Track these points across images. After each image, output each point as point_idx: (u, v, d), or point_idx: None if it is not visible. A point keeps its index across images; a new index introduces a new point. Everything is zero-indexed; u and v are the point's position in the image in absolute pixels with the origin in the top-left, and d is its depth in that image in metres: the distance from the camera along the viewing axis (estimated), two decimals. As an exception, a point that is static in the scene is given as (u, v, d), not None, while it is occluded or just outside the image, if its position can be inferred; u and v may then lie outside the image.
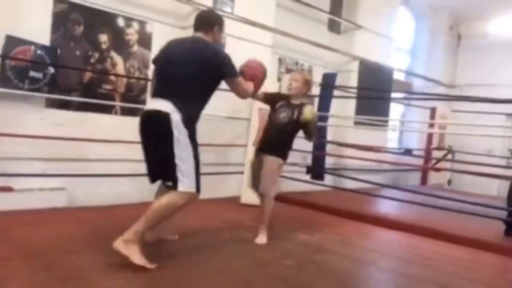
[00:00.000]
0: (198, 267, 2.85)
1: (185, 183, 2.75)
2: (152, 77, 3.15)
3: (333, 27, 7.72)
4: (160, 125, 2.73)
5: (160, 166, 2.84)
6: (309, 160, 6.15)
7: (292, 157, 5.99)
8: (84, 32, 4.46)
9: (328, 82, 6.25)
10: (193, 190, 2.79)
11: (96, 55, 4.58)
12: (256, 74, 3.41)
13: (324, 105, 6.07)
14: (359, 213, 5.00)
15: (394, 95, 9.09)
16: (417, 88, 9.77)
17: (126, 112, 4.84)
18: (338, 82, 6.61)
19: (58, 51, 4.22)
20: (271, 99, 3.91)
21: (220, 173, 5.42)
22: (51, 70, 4.14)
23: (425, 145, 9.18)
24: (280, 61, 6.66)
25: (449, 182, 9.61)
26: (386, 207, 5.70)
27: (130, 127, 4.80)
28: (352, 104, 7.41)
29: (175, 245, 3.29)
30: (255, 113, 5.38)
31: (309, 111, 3.67)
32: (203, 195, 5.30)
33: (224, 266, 2.97)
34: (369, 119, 7.23)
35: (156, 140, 2.81)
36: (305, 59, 7.01)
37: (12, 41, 3.87)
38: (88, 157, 4.46)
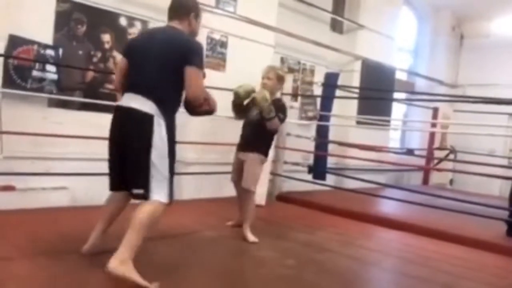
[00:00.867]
0: (198, 267, 2.86)
1: (158, 192, 2.51)
2: (118, 69, 2.86)
3: (336, 26, 7.72)
4: (140, 127, 2.48)
5: (131, 172, 2.55)
6: (311, 160, 6.15)
7: (294, 157, 6.03)
8: (87, 32, 4.46)
9: (330, 82, 6.26)
10: (166, 200, 2.55)
11: (99, 54, 4.59)
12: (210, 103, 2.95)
13: (326, 104, 6.08)
14: (360, 213, 5.00)
15: (396, 95, 9.08)
16: (419, 88, 9.76)
17: (128, 111, 4.84)
18: (340, 81, 6.61)
19: (61, 50, 4.23)
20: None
21: (221, 173, 5.42)
22: (54, 69, 4.14)
23: (427, 145, 9.17)
24: (282, 60, 6.66)
25: (451, 182, 9.60)
26: (388, 207, 5.70)
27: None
28: (354, 103, 7.40)
29: (175, 245, 3.29)
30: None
31: (260, 93, 3.65)
32: (205, 194, 5.36)
33: (225, 266, 2.98)
34: (371, 119, 7.22)
35: (130, 143, 2.51)
36: (307, 59, 7.00)
37: (15, 40, 3.88)
38: (91, 157, 4.46)
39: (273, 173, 5.63)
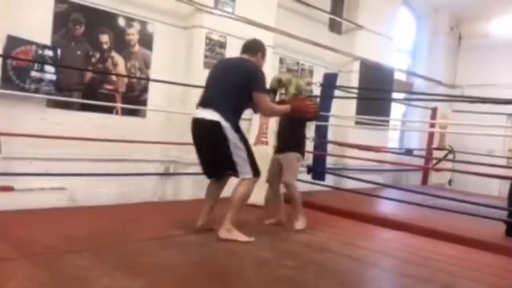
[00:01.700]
0: (199, 266, 2.86)
1: (244, 173, 3.41)
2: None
3: (334, 27, 7.72)
4: (214, 132, 3.32)
5: (221, 164, 3.47)
6: (310, 160, 6.15)
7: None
8: (85, 32, 4.46)
9: (329, 82, 6.25)
10: (251, 175, 3.43)
11: (97, 55, 4.59)
12: (300, 109, 3.84)
13: (325, 105, 6.07)
14: (360, 213, 5.00)
15: (395, 95, 9.09)
16: (418, 88, 9.76)
17: (126, 112, 4.84)
18: (339, 82, 6.61)
19: (59, 51, 4.22)
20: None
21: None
22: (52, 70, 4.14)
23: (426, 145, 9.18)
24: (281, 61, 6.66)
25: (450, 182, 9.61)
26: (387, 207, 5.70)
27: (131, 127, 4.85)
28: (353, 104, 7.40)
29: (175, 245, 3.29)
30: (256, 113, 5.38)
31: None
32: (204, 195, 5.32)
33: (225, 266, 2.97)
34: (370, 119, 7.23)
35: (212, 144, 3.40)
36: (306, 59, 7.01)
37: (13, 41, 3.88)
38: (89, 157, 4.46)
39: (272, 174, 5.62)
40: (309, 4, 6.75)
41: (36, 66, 4.03)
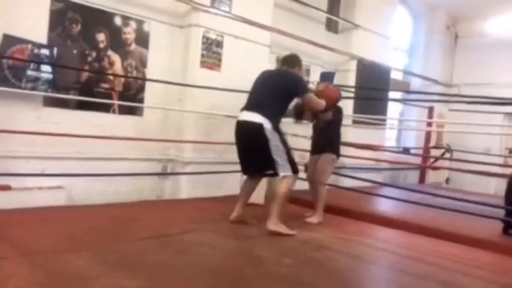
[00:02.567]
0: (196, 265, 2.85)
1: (284, 170, 3.70)
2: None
3: (331, 26, 7.73)
4: (257, 133, 3.66)
5: (261, 162, 3.79)
6: (307, 159, 6.14)
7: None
8: (81, 31, 4.45)
9: (326, 81, 6.24)
10: (290, 173, 3.73)
11: (94, 54, 4.57)
12: (330, 95, 4.26)
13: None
14: (357, 212, 5.00)
15: (392, 94, 9.10)
16: (414, 87, 9.79)
17: (123, 111, 4.83)
18: (336, 81, 6.61)
19: (55, 50, 4.21)
20: None
21: (219, 172, 5.42)
22: (49, 69, 4.12)
23: (423, 143, 9.20)
24: (278, 60, 6.64)
25: (447, 180, 9.63)
26: (384, 206, 5.70)
27: (128, 125, 4.84)
28: (350, 103, 7.40)
29: (172, 243, 3.28)
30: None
31: None
32: (202, 193, 5.36)
33: (223, 264, 2.97)
34: (367, 118, 7.23)
35: (254, 144, 3.74)
36: (302, 59, 6.93)
37: (9, 39, 3.86)
38: (86, 156, 4.45)
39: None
40: (305, 3, 6.75)
41: (32, 65, 4.01)
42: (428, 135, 9.13)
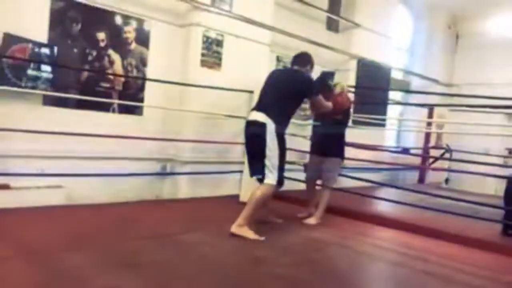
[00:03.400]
0: (195, 265, 2.86)
1: (269, 178, 3.61)
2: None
3: (331, 25, 7.71)
4: (259, 131, 3.61)
5: (256, 162, 3.71)
6: (307, 159, 6.14)
7: (290, 156, 6.01)
8: (82, 30, 4.44)
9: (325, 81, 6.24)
10: (275, 183, 3.63)
11: (94, 53, 4.57)
12: (342, 103, 4.37)
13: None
14: (356, 212, 5.01)
15: (392, 94, 9.09)
16: (415, 87, 9.77)
17: (123, 110, 4.83)
18: (336, 80, 6.60)
19: (56, 49, 4.20)
20: None
21: (219, 172, 5.42)
22: (49, 68, 4.12)
23: (423, 144, 9.19)
24: (278, 59, 6.65)
25: (447, 180, 9.62)
26: (383, 206, 5.71)
27: (128, 125, 4.83)
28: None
29: (172, 244, 3.28)
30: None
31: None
32: (202, 193, 5.36)
33: (222, 264, 2.97)
34: (367, 118, 7.23)
35: (254, 143, 3.70)
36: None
37: (9, 39, 3.86)
38: (86, 155, 4.45)
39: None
40: (306, 2, 6.75)
41: (32, 64, 4.01)
42: (427, 135, 9.12)
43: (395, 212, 5.37)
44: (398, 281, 3.12)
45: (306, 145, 5.54)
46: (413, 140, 9.73)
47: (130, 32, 4.84)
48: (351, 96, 6.22)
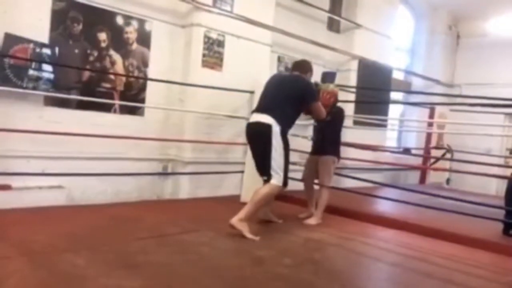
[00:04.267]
0: (196, 265, 2.86)
1: (276, 179, 3.65)
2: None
3: (333, 26, 7.71)
4: (264, 133, 3.65)
5: (262, 163, 3.75)
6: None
7: (291, 156, 6.02)
8: (83, 30, 4.45)
9: (327, 81, 6.24)
10: (281, 184, 3.68)
11: (95, 53, 4.57)
12: (323, 103, 4.26)
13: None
14: (358, 212, 5.00)
15: (393, 94, 9.08)
16: (416, 87, 9.77)
17: (125, 110, 4.83)
18: (337, 81, 6.60)
19: (57, 49, 4.21)
20: None
21: (220, 172, 5.42)
22: (50, 68, 4.13)
23: (424, 144, 9.18)
24: (279, 59, 6.65)
25: (448, 181, 9.62)
26: (385, 206, 5.70)
27: (129, 125, 4.84)
28: (351, 103, 7.39)
29: (173, 243, 3.29)
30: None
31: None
32: (203, 193, 5.36)
33: (222, 264, 2.97)
34: (368, 118, 7.23)
35: (260, 144, 3.74)
36: (304, 58, 6.98)
37: (10, 39, 3.86)
38: (87, 156, 4.45)
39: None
40: (307, 2, 6.75)
41: (33, 64, 4.02)
42: (429, 135, 9.12)
43: (396, 212, 5.37)
44: (399, 281, 3.12)
45: (307, 146, 5.54)
46: (414, 141, 9.72)
47: (131, 32, 4.84)
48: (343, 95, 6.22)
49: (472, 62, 10.17)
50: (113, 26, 4.69)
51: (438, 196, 5.05)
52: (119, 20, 4.74)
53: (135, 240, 3.29)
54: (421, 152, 9.16)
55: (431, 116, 8.91)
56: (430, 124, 8.58)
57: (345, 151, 6.75)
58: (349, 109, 7.32)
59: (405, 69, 9.82)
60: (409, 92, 9.32)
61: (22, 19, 4.01)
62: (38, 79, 4.06)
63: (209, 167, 5.34)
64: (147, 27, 4.98)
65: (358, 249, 3.76)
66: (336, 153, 4.68)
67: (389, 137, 9.43)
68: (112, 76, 4.73)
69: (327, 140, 4.63)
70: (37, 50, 4.05)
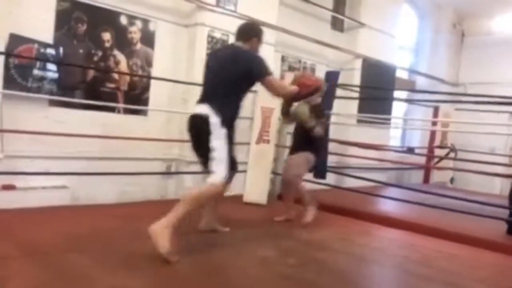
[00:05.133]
0: (199, 265, 2.87)
1: (214, 177, 3.10)
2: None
3: (336, 25, 7.69)
4: (201, 125, 3.14)
5: (202, 159, 3.29)
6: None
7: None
8: (87, 31, 4.46)
9: (331, 80, 6.24)
10: (221, 180, 3.11)
11: (99, 53, 4.59)
12: (304, 82, 3.83)
13: (327, 103, 6.05)
14: (361, 212, 5.00)
15: (397, 93, 9.05)
16: (420, 86, 9.74)
17: (128, 110, 4.84)
18: (341, 80, 6.59)
19: (61, 49, 4.22)
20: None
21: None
22: (54, 68, 4.14)
23: (428, 143, 9.16)
24: (283, 59, 6.65)
25: (452, 180, 9.60)
26: (388, 206, 5.70)
27: (133, 125, 4.85)
28: (354, 102, 7.38)
29: (179, 242, 3.29)
30: (258, 111, 5.39)
31: (298, 107, 4.27)
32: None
33: (226, 265, 2.98)
34: (372, 117, 7.21)
35: (198, 137, 3.25)
36: (308, 57, 6.99)
37: (15, 39, 3.88)
38: (91, 155, 4.47)
39: (274, 172, 5.63)
40: (311, 1, 6.73)
41: (38, 64, 4.04)
42: (432, 134, 9.09)
43: (399, 212, 5.36)
44: (402, 281, 3.12)
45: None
46: (418, 140, 9.70)
47: (135, 32, 4.85)
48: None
49: (477, 60, 10.13)
50: (117, 26, 4.70)
51: (442, 195, 5.05)
52: (123, 20, 4.75)
53: (139, 239, 3.29)
54: (425, 151, 9.14)
55: (435, 115, 8.88)
56: (434, 123, 8.55)
57: (348, 150, 6.78)
58: (353, 108, 7.33)
59: (409, 68, 9.79)
60: (413, 91, 9.30)
61: (27, 20, 4.02)
62: (42, 79, 4.08)
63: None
64: (151, 27, 4.99)
65: (362, 248, 3.76)
66: (312, 150, 4.41)
67: (393, 136, 9.42)
68: (116, 76, 4.74)
69: (304, 141, 4.39)
70: (42, 50, 4.06)
